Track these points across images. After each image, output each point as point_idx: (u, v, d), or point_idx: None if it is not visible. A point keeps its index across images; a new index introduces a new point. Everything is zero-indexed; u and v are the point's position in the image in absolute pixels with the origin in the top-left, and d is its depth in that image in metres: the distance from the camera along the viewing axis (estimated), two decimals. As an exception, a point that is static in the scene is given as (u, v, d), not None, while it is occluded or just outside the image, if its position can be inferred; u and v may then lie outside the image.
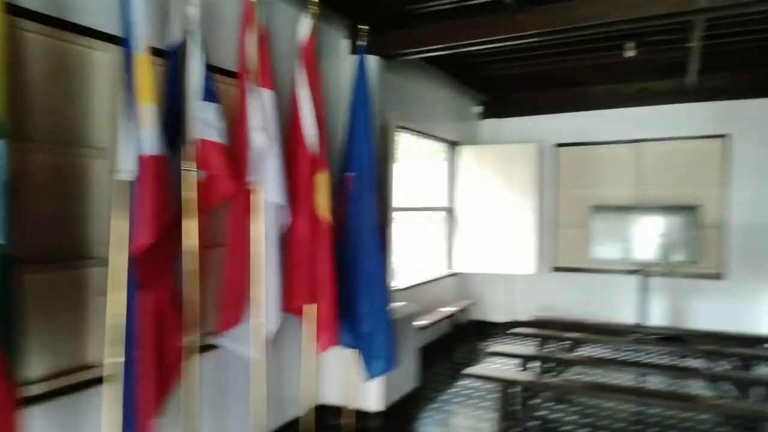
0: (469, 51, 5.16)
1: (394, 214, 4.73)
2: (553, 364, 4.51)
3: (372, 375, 3.58)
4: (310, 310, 3.29)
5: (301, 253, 3.19)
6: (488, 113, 7.32)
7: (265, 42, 3.06)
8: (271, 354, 3.46)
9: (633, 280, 6.25)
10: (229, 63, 3.12)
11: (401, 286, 5.35)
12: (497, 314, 7.18)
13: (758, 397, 3.73)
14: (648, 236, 6.14)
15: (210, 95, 2.70)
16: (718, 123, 6.19)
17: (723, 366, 4.55)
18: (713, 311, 6.21)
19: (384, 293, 3.63)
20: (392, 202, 4.54)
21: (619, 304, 6.52)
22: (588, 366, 4.68)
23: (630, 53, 5.10)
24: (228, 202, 2.94)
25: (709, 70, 5.99)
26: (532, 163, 6.68)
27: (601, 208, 6.39)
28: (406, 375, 4.38)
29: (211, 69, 2.78)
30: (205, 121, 2.65)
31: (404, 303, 4.58)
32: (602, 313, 6.57)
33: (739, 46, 5.45)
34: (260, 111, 2.93)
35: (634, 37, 4.96)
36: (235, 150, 2.88)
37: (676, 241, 6.01)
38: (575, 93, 6.89)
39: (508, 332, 5.98)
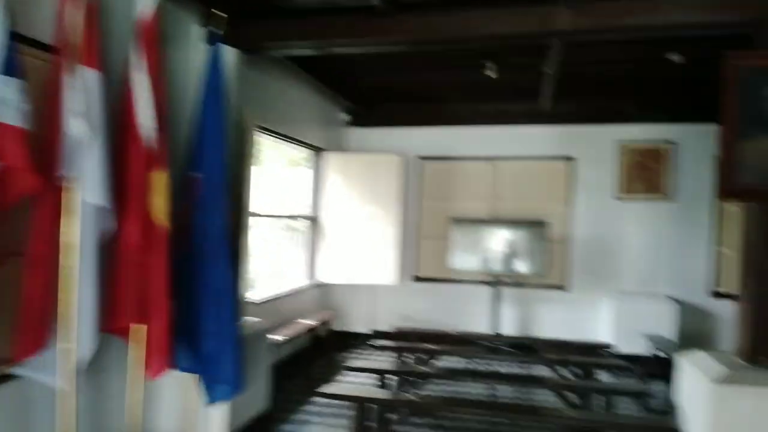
0: (335, 54, 4.98)
1: (252, 221, 4.37)
2: (410, 378, 4.44)
3: (215, 400, 3.21)
4: (140, 331, 2.84)
5: (130, 264, 2.73)
6: (356, 122, 7.22)
7: (93, 14, 2.59)
8: (89, 382, 2.93)
9: (487, 290, 6.47)
10: (43, 34, 2.59)
11: (257, 300, 4.99)
12: (359, 325, 7.06)
13: (599, 405, 3.95)
14: (501, 248, 6.41)
15: (11, 69, 2.19)
16: (565, 145, 6.65)
17: (567, 373, 4.79)
18: (558, 320, 6.62)
19: (233, 308, 3.28)
20: (248, 208, 4.18)
21: (475, 314, 6.72)
22: (444, 378, 4.68)
23: (490, 73, 5.26)
24: (30, 201, 2.40)
25: (560, 96, 6.42)
26: (397, 174, 6.68)
27: (459, 221, 6.56)
28: (256, 396, 4.02)
29: (17, 38, 2.27)
30: (1, 100, 2.14)
31: (257, 319, 4.22)
32: (460, 322, 6.72)
33: (587, 75, 5.88)
34: (81, 94, 2.46)
35: (494, 57, 5.12)
36: (43, 138, 2.38)
37: (526, 253, 6.34)
38: (440, 109, 7.02)
39: (367, 344, 5.85)
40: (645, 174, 6.37)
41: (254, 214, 4.50)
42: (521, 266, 6.34)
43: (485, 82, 5.79)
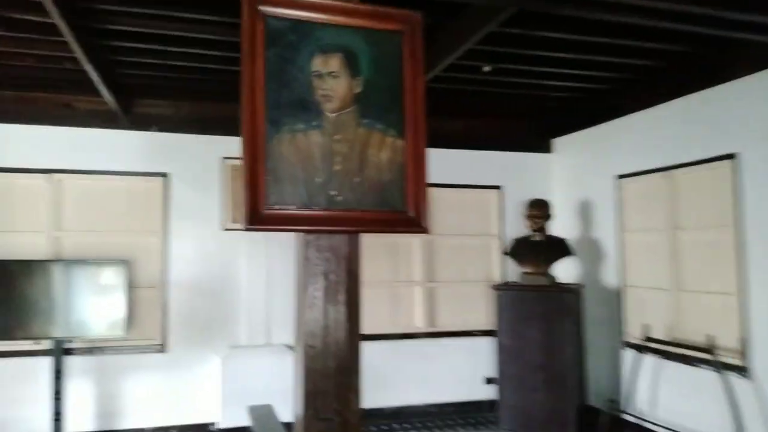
0: None
1: None
2: None
3: None
4: None
5: None
6: None
7: None
8: None
9: (48, 363, 4.37)
10: None
11: None
12: None
13: None
14: (64, 300, 4.42)
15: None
16: (156, 159, 5.02)
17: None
18: (156, 394, 4.88)
19: None
20: None
21: (26, 404, 4.50)
22: None
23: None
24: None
25: (140, 95, 4.86)
26: None
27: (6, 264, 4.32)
28: None
29: None
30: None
31: None
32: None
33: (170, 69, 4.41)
34: None
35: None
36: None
37: (102, 305, 4.48)
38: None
39: None
40: (255, 196, 5.18)
41: None
42: (96, 324, 4.44)
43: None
